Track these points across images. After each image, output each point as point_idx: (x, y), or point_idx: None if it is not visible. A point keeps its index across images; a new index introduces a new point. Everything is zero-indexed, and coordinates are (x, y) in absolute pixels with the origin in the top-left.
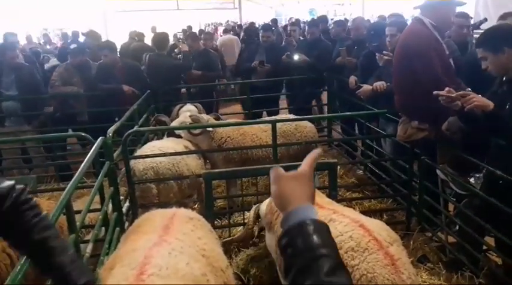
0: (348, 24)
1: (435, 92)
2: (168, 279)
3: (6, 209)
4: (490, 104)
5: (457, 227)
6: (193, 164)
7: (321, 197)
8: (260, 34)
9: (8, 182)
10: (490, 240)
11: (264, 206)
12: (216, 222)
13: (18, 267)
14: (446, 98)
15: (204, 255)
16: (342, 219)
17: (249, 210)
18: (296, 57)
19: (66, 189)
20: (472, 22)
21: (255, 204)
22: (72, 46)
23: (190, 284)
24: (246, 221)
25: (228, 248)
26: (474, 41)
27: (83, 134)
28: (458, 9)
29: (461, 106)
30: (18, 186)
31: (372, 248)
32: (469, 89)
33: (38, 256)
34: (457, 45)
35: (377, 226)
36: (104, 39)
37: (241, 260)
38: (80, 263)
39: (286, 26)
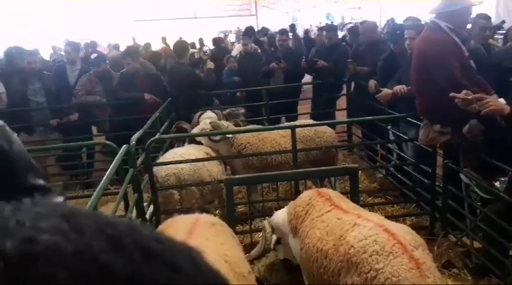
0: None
1: (452, 94)
2: None
3: None
4: (506, 108)
5: (483, 233)
6: (214, 170)
7: (345, 202)
8: (277, 38)
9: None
10: None
11: (278, 216)
12: (237, 228)
13: None
14: (463, 101)
15: (227, 260)
16: (367, 223)
17: (269, 216)
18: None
19: (93, 196)
20: (493, 23)
21: (275, 209)
22: (93, 56)
23: None
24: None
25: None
26: (498, 42)
27: (107, 142)
28: (480, 10)
29: (478, 110)
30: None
31: (396, 252)
32: (493, 92)
33: None
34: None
35: (402, 230)
36: (122, 48)
37: (263, 266)
38: None
39: (307, 30)
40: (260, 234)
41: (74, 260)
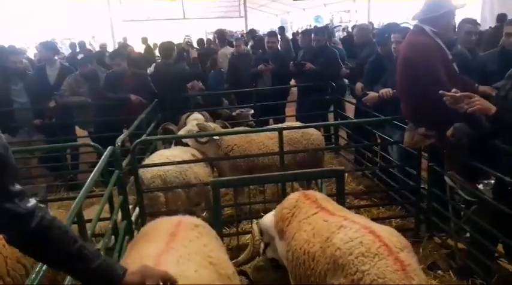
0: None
1: (441, 91)
2: None
3: (33, 228)
4: (493, 108)
5: (467, 234)
6: (200, 172)
7: (332, 204)
8: (265, 40)
9: (33, 201)
10: (500, 247)
11: (266, 219)
12: (224, 230)
13: (33, 275)
14: (452, 98)
15: (211, 262)
16: (352, 225)
17: (256, 218)
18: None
19: (78, 198)
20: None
21: (262, 212)
22: (80, 56)
23: None
24: (248, 240)
25: (235, 256)
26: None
27: (92, 143)
28: (465, 14)
29: (465, 109)
30: (41, 205)
31: (382, 254)
32: (478, 85)
33: (77, 267)
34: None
35: (387, 232)
36: (110, 48)
37: (250, 268)
38: (109, 259)
39: (296, 33)
40: (247, 236)
41: None
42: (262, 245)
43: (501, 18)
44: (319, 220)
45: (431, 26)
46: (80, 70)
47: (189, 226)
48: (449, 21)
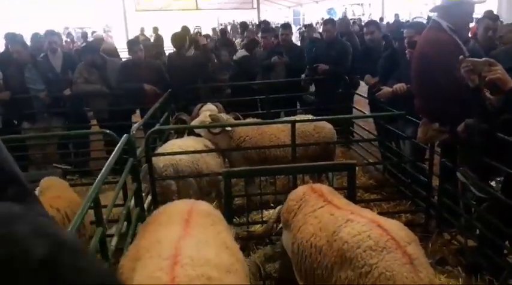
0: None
1: (461, 57)
2: (202, 269)
3: None
4: (511, 82)
5: (478, 231)
6: (212, 162)
7: (338, 198)
8: (280, 32)
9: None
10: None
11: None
12: (234, 220)
13: None
14: (472, 65)
15: (228, 247)
16: (360, 219)
17: (266, 209)
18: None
19: (95, 183)
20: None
21: (273, 203)
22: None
23: (223, 272)
24: (264, 219)
25: (246, 246)
26: None
27: (107, 131)
28: (481, 10)
29: (477, 83)
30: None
31: (390, 247)
32: None
33: None
34: (484, 50)
35: (395, 226)
36: (124, 38)
37: (259, 257)
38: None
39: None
40: (257, 226)
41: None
42: (274, 226)
43: None
44: (325, 214)
45: (449, 22)
46: (84, 60)
47: (203, 213)
48: (466, 15)
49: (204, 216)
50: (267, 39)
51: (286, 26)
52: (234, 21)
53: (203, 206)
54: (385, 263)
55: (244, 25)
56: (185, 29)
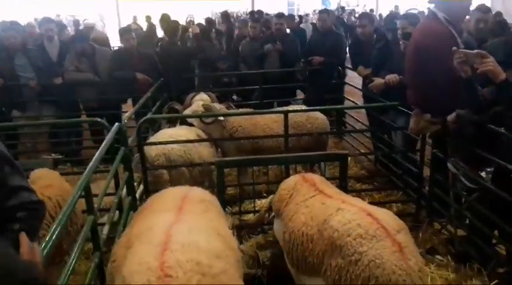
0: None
1: (454, 48)
2: (191, 255)
3: None
4: (502, 74)
5: (467, 221)
6: (204, 152)
7: (330, 188)
8: (274, 22)
9: None
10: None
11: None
12: (226, 209)
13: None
14: (464, 56)
15: (219, 234)
16: (350, 208)
17: (259, 199)
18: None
19: (85, 172)
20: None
21: (265, 193)
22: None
23: (213, 258)
24: (257, 208)
25: (238, 234)
26: None
27: (98, 120)
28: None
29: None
30: None
31: (379, 236)
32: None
33: None
34: (476, 42)
35: (385, 214)
36: (116, 26)
37: (251, 246)
38: None
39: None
40: (249, 215)
41: None
42: (266, 215)
43: None
44: (317, 203)
45: (446, 13)
46: (75, 49)
47: (196, 199)
48: (464, 9)
49: (198, 202)
50: (255, 29)
51: (281, 16)
52: (212, 10)
53: (198, 192)
54: (375, 251)
55: (225, 14)
56: (165, 16)
